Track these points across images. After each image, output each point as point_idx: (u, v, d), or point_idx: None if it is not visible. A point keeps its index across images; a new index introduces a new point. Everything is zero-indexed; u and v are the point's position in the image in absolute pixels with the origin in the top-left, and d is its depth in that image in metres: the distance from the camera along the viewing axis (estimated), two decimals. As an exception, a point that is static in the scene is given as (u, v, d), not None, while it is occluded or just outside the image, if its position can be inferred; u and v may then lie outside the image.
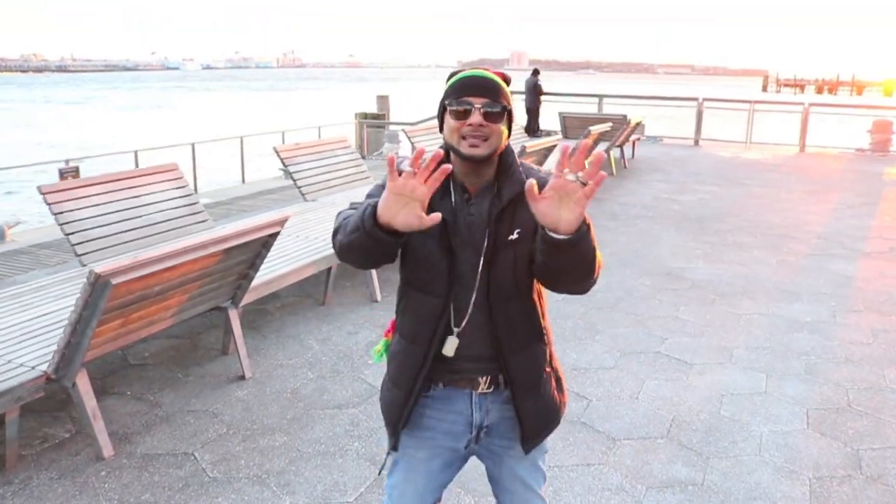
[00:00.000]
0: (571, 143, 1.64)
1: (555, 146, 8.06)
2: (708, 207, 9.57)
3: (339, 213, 1.83)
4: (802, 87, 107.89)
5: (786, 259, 7.09)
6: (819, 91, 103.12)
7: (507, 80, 1.81)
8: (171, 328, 4.02)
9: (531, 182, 1.54)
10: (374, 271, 5.48)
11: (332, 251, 2.72)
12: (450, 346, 1.83)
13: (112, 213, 4.88)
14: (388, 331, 2.02)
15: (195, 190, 10.90)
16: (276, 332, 4.90)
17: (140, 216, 5.05)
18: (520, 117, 16.55)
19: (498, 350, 1.85)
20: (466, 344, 1.84)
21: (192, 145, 11.59)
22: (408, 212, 1.57)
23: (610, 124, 11.45)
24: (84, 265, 4.54)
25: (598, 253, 1.69)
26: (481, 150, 1.73)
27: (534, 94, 16.86)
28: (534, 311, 1.88)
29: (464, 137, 1.73)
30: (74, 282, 4.29)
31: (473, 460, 2.08)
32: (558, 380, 2.00)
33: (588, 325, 5.14)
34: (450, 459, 1.99)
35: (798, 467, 3.40)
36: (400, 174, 1.55)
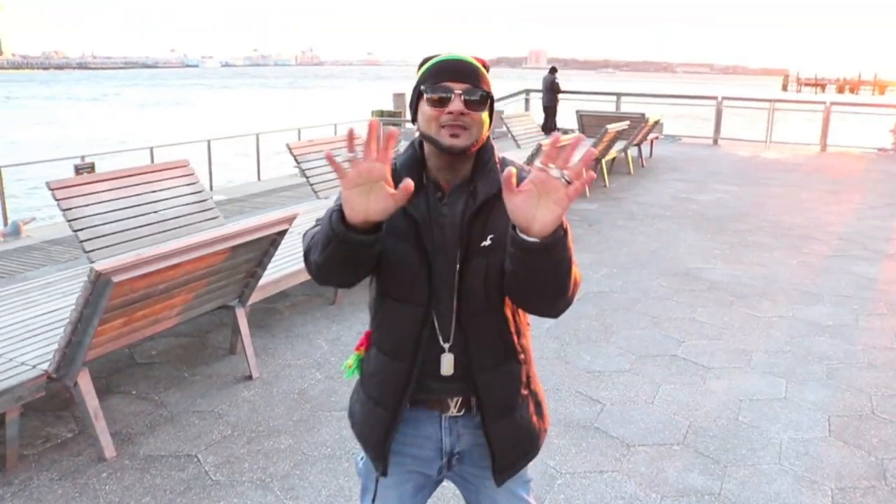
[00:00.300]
0: (589, 142, 1.50)
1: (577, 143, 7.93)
2: (727, 207, 9.42)
3: (306, 234, 1.68)
4: (823, 87, 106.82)
5: (806, 260, 6.94)
6: (840, 90, 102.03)
7: (487, 67, 1.65)
8: (178, 326, 3.96)
9: (510, 170, 1.40)
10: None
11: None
12: (447, 365, 1.67)
13: (121, 209, 4.82)
14: (360, 344, 1.82)
15: (210, 187, 10.94)
16: (285, 331, 4.84)
17: (149, 212, 4.99)
18: (537, 115, 16.45)
19: (467, 368, 1.67)
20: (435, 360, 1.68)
21: (208, 142, 11.62)
22: (375, 197, 1.41)
23: (627, 122, 11.31)
24: (92, 262, 4.49)
25: (576, 269, 1.52)
26: (462, 141, 1.56)
27: (551, 91, 16.82)
28: (505, 326, 1.69)
29: (443, 126, 1.56)
30: (82, 279, 4.24)
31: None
32: (538, 404, 1.81)
33: (603, 327, 5.03)
34: (421, 483, 1.83)
35: (819, 477, 3.28)
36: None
